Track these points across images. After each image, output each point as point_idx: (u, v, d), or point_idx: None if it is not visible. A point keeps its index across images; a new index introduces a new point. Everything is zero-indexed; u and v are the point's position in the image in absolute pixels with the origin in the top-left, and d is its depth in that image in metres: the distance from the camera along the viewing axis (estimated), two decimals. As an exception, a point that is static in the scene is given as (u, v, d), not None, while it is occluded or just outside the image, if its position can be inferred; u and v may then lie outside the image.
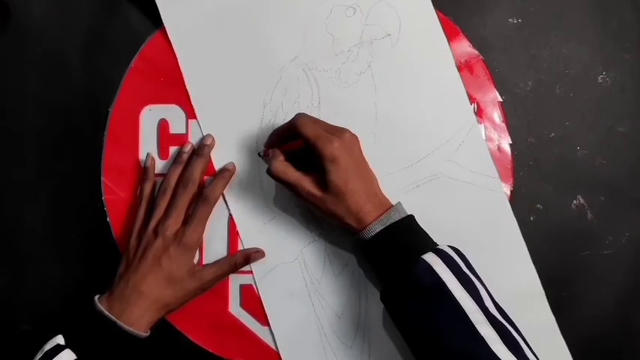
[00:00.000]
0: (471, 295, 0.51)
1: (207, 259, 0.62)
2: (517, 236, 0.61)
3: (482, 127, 0.62)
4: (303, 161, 0.58)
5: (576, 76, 0.63)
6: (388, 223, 0.54)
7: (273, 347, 0.61)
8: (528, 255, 0.61)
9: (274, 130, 0.61)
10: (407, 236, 0.55)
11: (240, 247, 0.62)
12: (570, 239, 0.62)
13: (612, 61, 0.63)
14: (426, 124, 0.62)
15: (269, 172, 0.57)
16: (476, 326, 0.49)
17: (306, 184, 0.56)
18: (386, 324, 0.61)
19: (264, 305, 0.62)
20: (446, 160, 0.62)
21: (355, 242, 0.56)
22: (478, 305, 0.51)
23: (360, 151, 0.58)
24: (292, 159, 0.58)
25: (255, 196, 0.62)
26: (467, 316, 0.50)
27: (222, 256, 0.62)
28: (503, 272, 0.61)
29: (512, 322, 0.52)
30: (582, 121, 0.63)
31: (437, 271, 0.52)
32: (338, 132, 0.56)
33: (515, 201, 0.62)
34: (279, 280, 0.62)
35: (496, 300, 0.53)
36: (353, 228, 0.56)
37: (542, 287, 0.61)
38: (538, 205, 0.62)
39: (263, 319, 0.62)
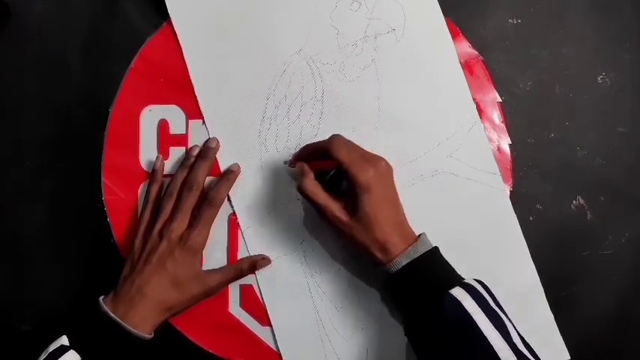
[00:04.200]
0: (499, 332, 0.50)
1: (206, 261, 0.62)
2: (517, 233, 0.61)
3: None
4: (330, 182, 0.58)
5: (576, 76, 0.63)
6: (414, 257, 0.54)
7: (273, 347, 0.61)
8: (528, 252, 0.61)
9: (307, 145, 0.60)
10: (433, 270, 0.54)
11: (240, 245, 0.62)
12: (570, 239, 0.62)
13: (612, 61, 0.63)
14: (428, 119, 0.62)
15: (299, 188, 0.57)
16: None
17: (335, 208, 0.56)
18: (384, 317, 0.61)
19: (263, 298, 0.62)
20: (448, 156, 0.62)
21: (380, 276, 0.56)
22: (507, 342, 0.50)
23: (393, 182, 0.57)
24: (320, 177, 0.58)
25: (256, 189, 0.62)
26: (496, 353, 0.49)
27: (222, 259, 0.62)
28: (503, 269, 0.61)
29: (539, 358, 0.51)
30: (582, 121, 0.63)
31: (465, 307, 0.51)
32: (373, 160, 0.56)
33: (515, 201, 0.62)
34: (278, 273, 0.62)
35: (522, 335, 0.52)
36: (377, 259, 0.55)
37: (541, 285, 0.61)
38: (538, 205, 0.62)
39: (263, 319, 0.62)
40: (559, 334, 0.60)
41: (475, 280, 0.54)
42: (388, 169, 0.57)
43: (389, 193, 0.56)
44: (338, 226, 0.56)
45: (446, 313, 0.51)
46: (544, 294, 0.61)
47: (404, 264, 0.54)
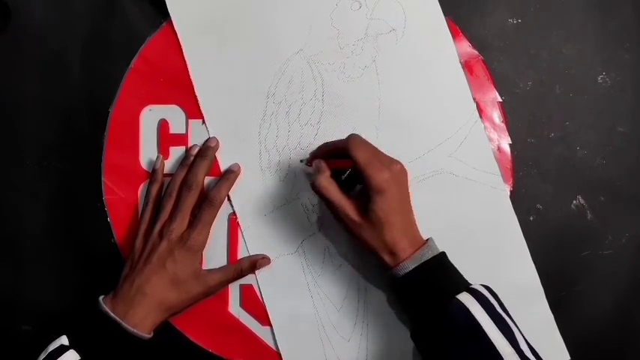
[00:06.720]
0: (506, 337, 0.50)
1: (206, 261, 0.61)
2: (517, 234, 0.61)
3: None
4: (347, 181, 0.57)
5: (576, 76, 0.63)
6: (422, 261, 0.54)
7: (273, 347, 0.61)
8: (528, 252, 0.61)
9: (324, 143, 0.60)
10: (440, 274, 0.54)
11: (240, 245, 0.62)
12: (570, 239, 0.62)
13: (612, 61, 0.63)
14: (428, 119, 0.62)
15: (313, 184, 0.57)
16: None
17: (347, 207, 0.55)
18: (384, 318, 0.61)
19: (263, 298, 0.62)
20: (448, 156, 0.62)
21: (387, 279, 0.56)
22: (514, 348, 0.50)
23: (407, 186, 0.57)
24: (337, 176, 0.57)
25: (256, 188, 0.63)
26: (502, 358, 0.49)
27: (222, 259, 0.62)
28: (503, 269, 0.61)
29: None
30: (582, 121, 0.63)
31: (472, 312, 0.51)
32: (390, 163, 0.55)
33: (515, 201, 0.62)
34: (278, 273, 0.62)
35: (529, 341, 0.52)
36: (385, 262, 0.55)
37: (541, 285, 0.61)
38: (538, 205, 0.62)
39: (263, 319, 0.62)
40: (559, 334, 0.60)
41: (482, 285, 0.54)
42: (403, 173, 0.56)
43: (402, 197, 0.56)
44: (349, 226, 0.56)
45: (452, 317, 0.51)
46: (544, 294, 0.61)
47: (411, 268, 0.54)
